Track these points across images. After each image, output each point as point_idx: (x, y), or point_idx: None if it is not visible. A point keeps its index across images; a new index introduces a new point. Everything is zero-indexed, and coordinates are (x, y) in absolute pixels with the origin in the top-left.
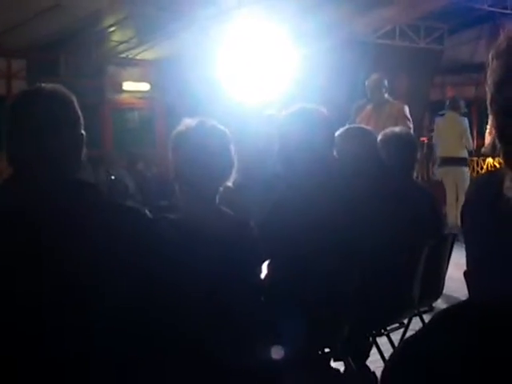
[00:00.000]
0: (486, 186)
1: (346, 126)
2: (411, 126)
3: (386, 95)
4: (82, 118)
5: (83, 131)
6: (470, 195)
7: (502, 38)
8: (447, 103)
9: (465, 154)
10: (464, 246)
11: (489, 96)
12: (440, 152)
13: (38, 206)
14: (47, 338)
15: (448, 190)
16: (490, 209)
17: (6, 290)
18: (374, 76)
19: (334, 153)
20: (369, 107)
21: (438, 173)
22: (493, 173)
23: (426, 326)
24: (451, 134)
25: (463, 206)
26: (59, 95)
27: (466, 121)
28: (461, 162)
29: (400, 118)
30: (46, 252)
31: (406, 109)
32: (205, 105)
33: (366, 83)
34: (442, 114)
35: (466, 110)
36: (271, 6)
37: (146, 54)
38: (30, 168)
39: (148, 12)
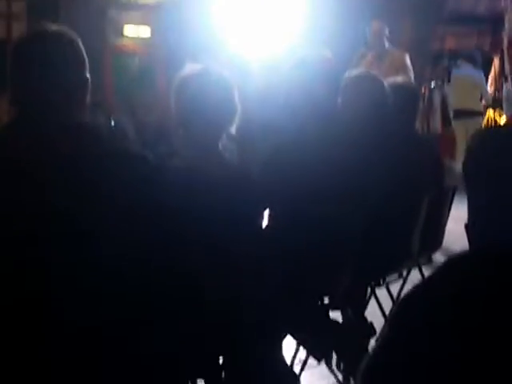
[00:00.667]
0: (491, 138)
1: (355, 72)
2: (412, 75)
3: (387, 44)
4: (87, 61)
5: (88, 74)
6: (473, 146)
7: None
8: (462, 55)
9: (480, 107)
10: (464, 198)
11: None
12: (455, 104)
13: (39, 151)
14: (53, 289)
15: (460, 142)
16: (493, 160)
17: (5, 236)
18: (375, 24)
19: (339, 101)
20: (370, 56)
21: (453, 124)
22: (499, 127)
23: (429, 276)
24: (467, 86)
25: (465, 157)
26: (65, 36)
27: (482, 74)
28: (476, 114)
29: (401, 68)
30: (47, 199)
31: (407, 58)
32: (206, 51)
33: (367, 31)
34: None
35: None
36: None
37: None
38: (34, 110)
39: None
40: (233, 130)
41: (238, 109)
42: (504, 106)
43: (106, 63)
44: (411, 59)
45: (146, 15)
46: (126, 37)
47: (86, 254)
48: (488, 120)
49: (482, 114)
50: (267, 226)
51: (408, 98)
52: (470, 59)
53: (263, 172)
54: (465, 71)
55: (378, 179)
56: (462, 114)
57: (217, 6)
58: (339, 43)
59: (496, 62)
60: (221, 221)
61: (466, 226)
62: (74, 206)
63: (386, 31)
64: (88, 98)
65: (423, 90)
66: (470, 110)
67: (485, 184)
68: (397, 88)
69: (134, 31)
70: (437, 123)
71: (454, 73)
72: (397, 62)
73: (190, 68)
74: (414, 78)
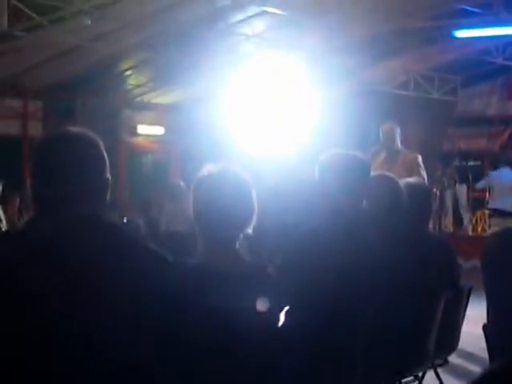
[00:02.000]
0: (510, 239)
1: (380, 173)
2: (425, 175)
3: (399, 144)
4: (107, 162)
5: (109, 175)
6: (492, 247)
7: None
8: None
9: None
10: (479, 298)
11: None
12: (493, 204)
13: (64, 241)
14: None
15: None
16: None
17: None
18: (388, 124)
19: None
20: (382, 155)
21: (493, 223)
22: None
23: None
24: (507, 188)
25: (484, 258)
26: (86, 138)
27: None
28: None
29: (414, 168)
30: (70, 290)
31: (420, 158)
32: (219, 151)
33: (380, 131)
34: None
35: None
36: (286, 54)
37: (161, 98)
38: (53, 207)
39: (165, 57)
40: (250, 230)
41: (255, 209)
42: None
43: (120, 162)
44: (423, 160)
45: (159, 115)
46: (140, 134)
47: (99, 349)
48: None
49: None
50: (283, 325)
51: (421, 197)
52: (510, 163)
53: (282, 270)
54: (505, 174)
55: (394, 279)
56: (499, 214)
57: (229, 105)
58: (351, 142)
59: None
60: (236, 319)
61: (484, 327)
62: (96, 299)
63: (398, 131)
64: (108, 197)
65: (435, 190)
66: (508, 211)
67: (504, 286)
68: (410, 188)
69: (148, 130)
70: (449, 223)
71: (494, 175)
72: (409, 162)
73: (208, 167)
74: (427, 178)
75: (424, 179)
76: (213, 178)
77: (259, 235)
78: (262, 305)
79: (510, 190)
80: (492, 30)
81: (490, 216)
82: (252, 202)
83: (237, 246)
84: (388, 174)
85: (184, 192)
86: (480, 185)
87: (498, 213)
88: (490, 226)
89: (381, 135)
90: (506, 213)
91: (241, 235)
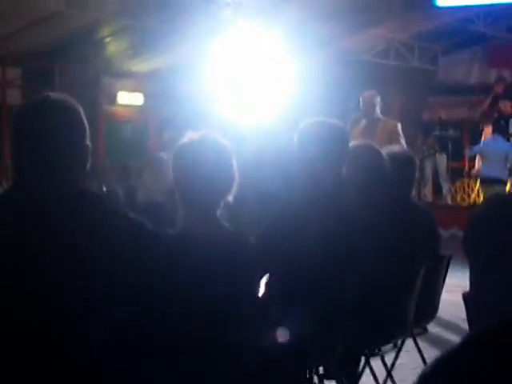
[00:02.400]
0: (495, 211)
1: (354, 144)
2: (404, 143)
3: (379, 112)
4: (87, 129)
5: (88, 142)
6: (476, 219)
7: None
8: (497, 127)
9: (506, 175)
10: (459, 267)
11: None
12: (484, 172)
13: (35, 218)
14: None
15: None
16: (498, 236)
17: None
18: (368, 92)
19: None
20: (362, 123)
21: (481, 190)
22: (504, 197)
23: (454, 351)
24: (497, 156)
25: (468, 230)
26: (66, 104)
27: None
28: (503, 182)
29: (394, 136)
30: (45, 261)
31: (399, 127)
32: (199, 119)
33: (360, 99)
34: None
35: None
36: (266, 20)
37: (141, 66)
38: (35, 177)
39: (145, 24)
40: (230, 197)
41: (236, 177)
42: None
43: (99, 129)
44: (403, 129)
45: (139, 83)
46: (120, 103)
47: (78, 315)
48: (478, 189)
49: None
50: (263, 294)
51: (405, 167)
52: (502, 131)
53: (263, 237)
54: (496, 143)
55: (376, 246)
56: (491, 181)
57: (209, 73)
58: (330, 110)
59: (487, 131)
60: (218, 284)
61: (464, 295)
62: (71, 269)
63: (378, 99)
64: (88, 165)
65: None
66: (498, 178)
67: (491, 252)
68: (394, 157)
69: (127, 98)
70: (428, 192)
71: (487, 144)
72: (389, 130)
73: (189, 135)
74: (407, 148)
75: (403, 147)
76: (193, 145)
77: (240, 203)
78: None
79: (503, 158)
80: None
81: (482, 183)
82: (232, 170)
83: (217, 213)
84: (370, 143)
85: (163, 162)
86: (472, 151)
87: (489, 180)
88: (478, 194)
89: (361, 103)
90: (497, 180)
91: (221, 203)
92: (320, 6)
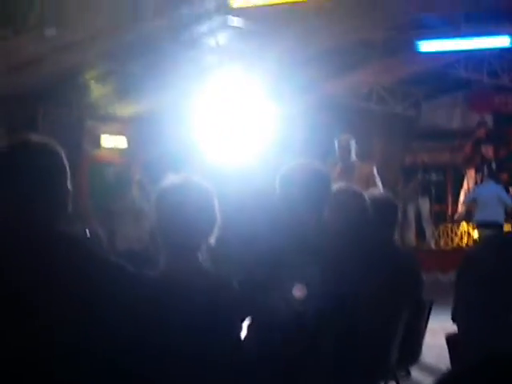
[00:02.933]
0: (489, 252)
1: (337, 187)
2: (381, 187)
3: (355, 157)
4: (69, 172)
5: (70, 185)
6: (470, 259)
7: None
8: (487, 172)
9: (502, 219)
10: (440, 311)
11: None
12: (479, 216)
13: (16, 257)
14: None
15: None
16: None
17: None
18: (343, 136)
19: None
20: (338, 167)
21: (478, 234)
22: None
23: None
24: (491, 200)
25: (462, 268)
26: (48, 147)
27: (504, 190)
28: (500, 226)
29: (371, 179)
30: (22, 302)
31: (375, 170)
32: (182, 162)
33: (336, 143)
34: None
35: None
36: (249, 66)
37: (125, 110)
38: (13, 218)
39: (128, 69)
40: (212, 240)
41: (217, 219)
42: None
43: (82, 172)
44: (385, 173)
45: (123, 126)
46: (103, 147)
47: (56, 358)
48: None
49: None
50: (246, 338)
51: (387, 210)
52: (494, 177)
53: (245, 284)
54: (489, 187)
55: (359, 291)
56: (485, 225)
57: (192, 117)
58: (313, 154)
59: (470, 175)
60: (199, 329)
61: (448, 338)
62: (47, 310)
63: (353, 144)
64: (69, 208)
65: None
66: (492, 222)
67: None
68: (376, 201)
69: (111, 142)
70: (411, 236)
71: (479, 189)
72: (366, 173)
73: (170, 178)
74: (389, 192)
75: (380, 190)
76: (175, 188)
77: (222, 247)
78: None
79: (496, 201)
80: (453, 42)
81: (478, 228)
82: (214, 212)
83: (199, 256)
84: (353, 187)
85: (143, 211)
86: (468, 200)
87: (485, 225)
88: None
89: (336, 147)
90: (493, 224)
91: (203, 245)
92: (303, 50)
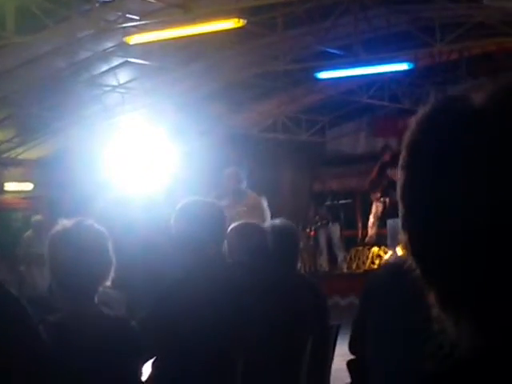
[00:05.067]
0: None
1: (239, 222)
2: (268, 217)
3: (244, 187)
4: None
5: None
6: (369, 287)
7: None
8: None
9: None
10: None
11: None
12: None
13: None
14: None
15: None
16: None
17: None
18: (229, 169)
19: (225, 246)
20: (227, 199)
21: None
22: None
23: None
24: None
25: (362, 296)
26: None
27: None
28: None
29: (257, 211)
30: None
31: (264, 203)
32: (89, 201)
33: (224, 175)
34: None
35: None
36: (153, 104)
37: (29, 154)
38: None
39: (28, 111)
40: (108, 282)
41: (112, 261)
42: (389, 241)
43: None
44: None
45: (27, 170)
46: (8, 192)
47: None
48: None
49: None
50: (150, 376)
51: (287, 239)
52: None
53: (149, 319)
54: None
55: (261, 325)
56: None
57: (99, 155)
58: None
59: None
60: (97, 373)
61: (348, 363)
62: None
63: (241, 174)
64: None
65: (308, 231)
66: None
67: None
68: (275, 231)
69: (16, 186)
70: (324, 261)
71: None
72: (252, 205)
73: (63, 223)
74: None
75: (266, 220)
76: (68, 232)
77: (129, 285)
78: None
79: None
80: (354, 70)
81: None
82: (108, 255)
83: (95, 299)
84: (250, 222)
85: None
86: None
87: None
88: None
89: (224, 179)
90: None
91: (99, 288)
92: (206, 85)
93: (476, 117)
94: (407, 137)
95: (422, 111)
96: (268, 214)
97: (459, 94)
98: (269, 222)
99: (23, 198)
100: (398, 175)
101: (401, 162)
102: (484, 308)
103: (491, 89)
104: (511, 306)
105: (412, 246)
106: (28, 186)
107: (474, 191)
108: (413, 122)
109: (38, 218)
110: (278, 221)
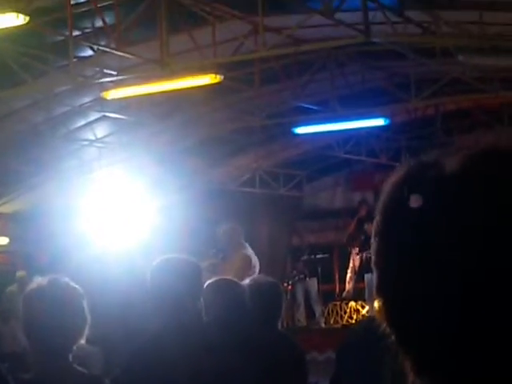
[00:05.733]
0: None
1: (216, 278)
2: (256, 274)
3: (240, 243)
4: None
5: None
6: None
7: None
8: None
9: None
10: None
11: None
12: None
13: None
14: None
15: None
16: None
17: None
18: (226, 225)
19: (201, 302)
20: (220, 256)
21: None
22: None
23: None
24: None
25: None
26: None
27: None
28: None
29: (243, 268)
30: None
31: (252, 260)
32: (65, 255)
33: (220, 233)
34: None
35: None
36: (130, 158)
37: (5, 207)
38: None
39: (8, 166)
40: (83, 340)
41: (87, 319)
42: (367, 295)
43: None
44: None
45: (4, 225)
46: None
47: None
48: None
49: None
50: None
51: (267, 296)
52: None
53: (123, 376)
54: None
55: (237, 377)
56: None
57: (77, 209)
58: (197, 242)
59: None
60: None
61: None
62: None
63: (237, 232)
64: None
65: (286, 285)
66: None
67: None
68: (255, 288)
69: None
70: (301, 316)
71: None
72: (239, 261)
73: (37, 281)
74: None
75: (252, 279)
76: (42, 291)
77: (109, 342)
78: None
79: None
80: (330, 125)
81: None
82: (83, 313)
83: (70, 357)
84: (230, 279)
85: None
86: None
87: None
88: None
89: (221, 235)
90: None
91: (74, 346)
92: (184, 140)
93: (448, 185)
94: (381, 202)
95: (395, 177)
96: (256, 269)
97: (431, 160)
98: (250, 279)
99: None
100: (372, 240)
101: (375, 227)
102: (458, 375)
103: (463, 155)
104: (484, 373)
105: (387, 313)
106: (3, 241)
107: (446, 259)
108: (386, 187)
109: (21, 273)
110: (259, 277)
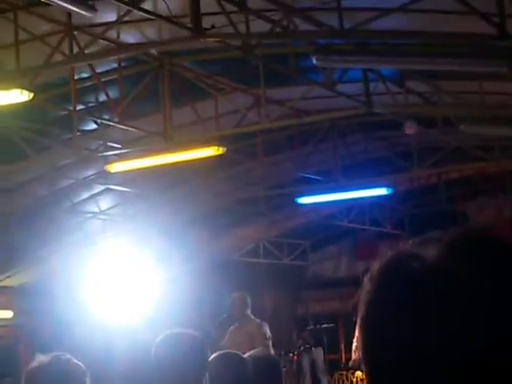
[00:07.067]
0: None
1: (221, 352)
2: (270, 344)
3: (248, 313)
4: None
5: None
6: None
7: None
8: None
9: None
10: None
11: None
12: None
13: None
14: None
15: None
16: None
17: None
18: (236, 294)
19: (206, 376)
20: (232, 326)
21: None
22: None
23: None
24: None
25: None
26: None
27: None
28: None
29: (257, 337)
30: None
31: (264, 328)
32: (70, 328)
33: (230, 300)
34: None
35: None
36: (135, 230)
37: (10, 281)
38: None
39: (13, 240)
40: None
41: None
42: None
43: None
44: (278, 325)
45: (8, 298)
46: None
47: None
48: (357, 380)
49: None
50: None
51: (267, 370)
52: None
53: None
54: None
55: None
56: None
57: (81, 282)
58: (202, 314)
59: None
60: None
61: None
62: None
63: (247, 301)
64: None
65: (292, 355)
66: None
67: None
68: (256, 362)
69: None
70: None
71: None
72: (254, 331)
73: (39, 359)
74: (282, 344)
75: (269, 347)
76: (44, 369)
77: None
78: None
79: None
80: (333, 195)
81: None
82: None
83: None
84: (230, 350)
85: None
86: None
87: None
88: None
89: (230, 304)
90: None
91: None
92: (187, 211)
93: (428, 276)
94: (363, 294)
95: (376, 269)
96: (270, 339)
97: (411, 251)
98: (252, 354)
99: (2, 326)
100: (358, 327)
101: (359, 319)
102: None
103: (442, 244)
104: None
105: None
106: (8, 314)
107: (426, 346)
108: (368, 279)
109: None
110: (259, 351)
